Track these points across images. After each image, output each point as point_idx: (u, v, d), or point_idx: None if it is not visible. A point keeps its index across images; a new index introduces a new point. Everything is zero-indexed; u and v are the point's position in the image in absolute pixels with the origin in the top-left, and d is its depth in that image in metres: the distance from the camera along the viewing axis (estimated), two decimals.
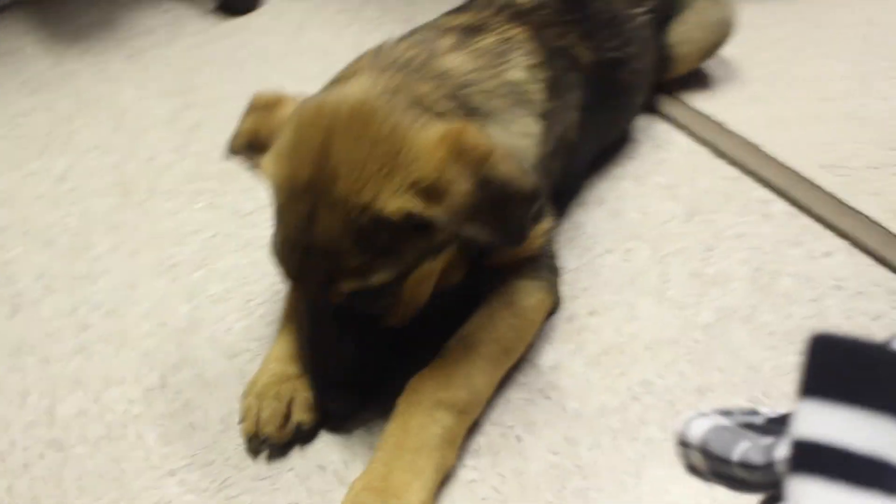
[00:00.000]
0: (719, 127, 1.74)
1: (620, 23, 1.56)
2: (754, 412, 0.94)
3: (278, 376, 1.21)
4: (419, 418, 1.12)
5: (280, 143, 1.11)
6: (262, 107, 1.20)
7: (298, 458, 1.19)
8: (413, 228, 1.06)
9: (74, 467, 1.20)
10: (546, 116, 1.30)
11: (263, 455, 1.19)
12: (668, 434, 1.19)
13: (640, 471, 1.15)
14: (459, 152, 1.03)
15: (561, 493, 1.12)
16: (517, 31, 1.33)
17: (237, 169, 1.70)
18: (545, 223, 1.31)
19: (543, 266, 1.32)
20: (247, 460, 1.19)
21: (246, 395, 1.21)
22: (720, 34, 1.81)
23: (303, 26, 2.26)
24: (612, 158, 1.69)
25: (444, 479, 1.13)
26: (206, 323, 1.40)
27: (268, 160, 1.12)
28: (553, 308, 1.34)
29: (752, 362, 1.27)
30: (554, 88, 1.33)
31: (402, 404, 1.14)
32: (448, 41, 1.26)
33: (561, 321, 1.35)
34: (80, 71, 2.11)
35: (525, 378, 1.27)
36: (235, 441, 1.21)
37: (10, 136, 1.94)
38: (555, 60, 1.37)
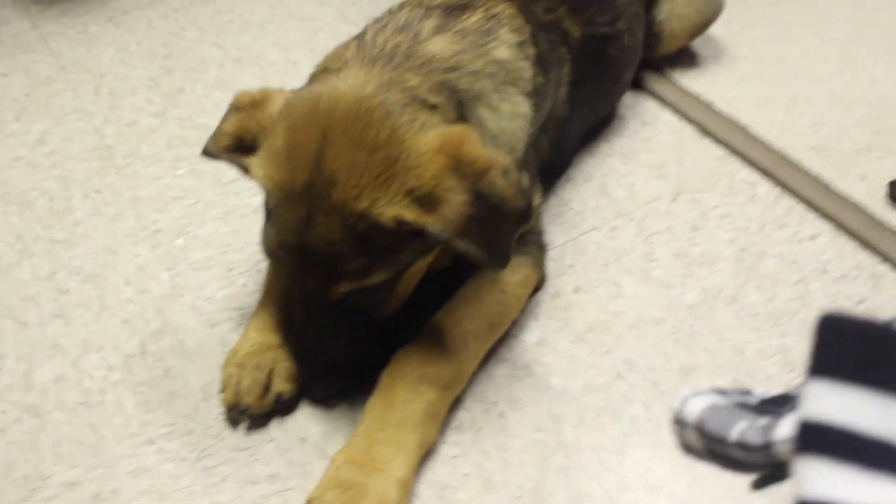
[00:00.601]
0: (707, 106, 1.74)
1: None
2: (748, 392, 0.95)
3: (259, 346, 1.20)
4: (403, 392, 1.12)
5: (272, 145, 1.09)
6: (247, 105, 1.15)
7: (279, 430, 1.18)
8: (411, 233, 1.05)
9: (51, 433, 1.19)
10: (535, 93, 1.29)
11: (243, 426, 1.19)
12: (651, 413, 1.19)
13: (624, 449, 1.15)
14: (458, 163, 1.03)
15: (544, 471, 1.12)
16: (504, 7, 1.31)
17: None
18: (534, 200, 1.30)
19: (531, 242, 1.31)
20: (227, 430, 1.18)
21: (226, 364, 1.19)
22: (709, 12, 1.80)
23: None
24: (600, 135, 1.68)
25: (427, 454, 1.13)
26: (187, 291, 1.38)
27: (259, 162, 1.09)
28: (539, 284, 1.34)
29: (736, 343, 1.27)
30: (543, 64, 1.32)
31: (386, 378, 1.14)
32: (431, 23, 1.23)
33: (546, 298, 1.35)
34: (59, 33, 2.06)
35: (510, 354, 1.27)
36: (216, 410, 1.20)
37: None
38: (543, 35, 1.35)
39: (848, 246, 1.43)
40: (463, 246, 1.02)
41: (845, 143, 1.63)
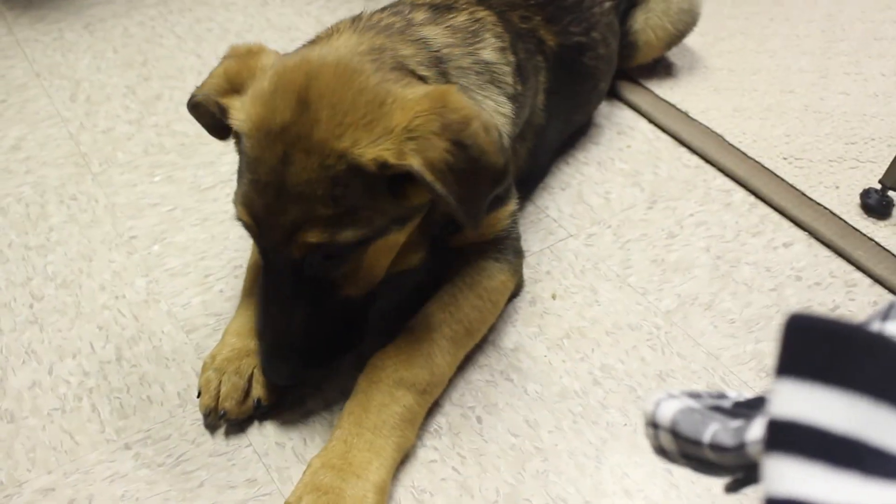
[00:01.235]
0: (682, 115, 1.75)
1: (585, 8, 1.56)
2: (722, 395, 0.95)
3: (238, 351, 1.20)
4: (380, 397, 1.12)
5: (257, 88, 1.08)
6: (242, 53, 1.15)
7: (256, 435, 1.18)
8: (386, 187, 1.05)
9: (26, 439, 1.18)
10: (515, 99, 1.29)
11: (221, 431, 1.18)
12: (628, 419, 1.19)
13: (601, 455, 1.15)
14: (442, 110, 1.02)
15: (520, 475, 1.13)
16: (485, 13, 1.32)
17: (196, 143, 1.68)
18: (510, 205, 1.31)
19: (508, 248, 1.31)
20: (204, 435, 1.18)
21: (205, 369, 1.19)
22: (685, 23, 1.82)
23: (266, 1, 2.23)
24: (576, 144, 1.69)
25: (404, 458, 1.13)
26: (163, 297, 1.38)
27: (241, 104, 1.09)
28: (516, 290, 1.34)
29: (711, 349, 1.28)
30: (521, 73, 1.33)
31: (363, 382, 1.14)
32: (421, 15, 1.25)
33: (523, 304, 1.35)
34: (35, 39, 2.06)
35: (487, 360, 1.27)
36: (192, 416, 1.20)
37: None
38: (520, 44, 1.36)
39: (822, 254, 1.45)
40: (441, 191, 1.01)
41: (818, 154, 1.65)
